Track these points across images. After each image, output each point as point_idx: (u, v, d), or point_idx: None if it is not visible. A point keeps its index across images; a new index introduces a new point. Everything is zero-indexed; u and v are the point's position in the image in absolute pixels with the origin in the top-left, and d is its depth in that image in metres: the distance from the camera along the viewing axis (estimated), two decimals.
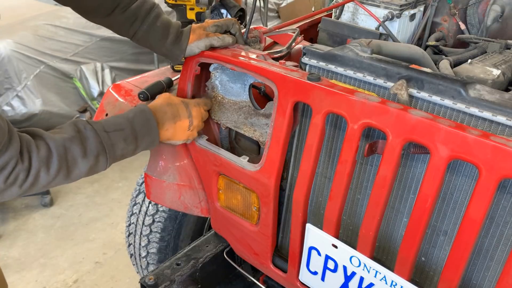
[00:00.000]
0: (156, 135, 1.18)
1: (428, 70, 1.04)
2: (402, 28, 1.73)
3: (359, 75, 1.11)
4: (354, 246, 1.10)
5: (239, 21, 1.41)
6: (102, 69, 3.66)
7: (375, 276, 1.07)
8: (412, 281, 1.02)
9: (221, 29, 1.34)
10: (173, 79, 1.59)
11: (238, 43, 1.37)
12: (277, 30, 1.56)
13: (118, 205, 2.99)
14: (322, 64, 1.18)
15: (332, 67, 1.16)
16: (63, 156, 0.98)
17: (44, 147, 0.96)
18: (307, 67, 1.22)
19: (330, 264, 1.16)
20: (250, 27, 1.45)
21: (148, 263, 1.84)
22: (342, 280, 1.15)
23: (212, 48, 1.32)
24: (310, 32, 1.79)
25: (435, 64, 1.30)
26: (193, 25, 1.34)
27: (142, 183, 1.84)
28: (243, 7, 3.69)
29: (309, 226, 1.17)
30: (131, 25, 1.27)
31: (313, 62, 1.20)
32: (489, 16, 1.70)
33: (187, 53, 1.32)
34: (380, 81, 1.08)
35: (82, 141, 1.02)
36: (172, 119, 1.21)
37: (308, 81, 1.08)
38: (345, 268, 1.13)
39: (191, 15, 1.84)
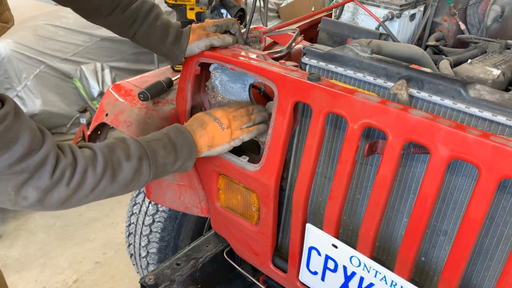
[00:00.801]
0: (193, 145, 1.18)
1: (428, 70, 1.04)
2: (402, 28, 1.73)
3: (359, 75, 1.11)
4: (354, 246, 1.10)
5: (239, 21, 1.40)
6: (102, 69, 3.66)
7: (375, 276, 1.07)
8: (412, 281, 1.02)
9: (221, 29, 1.34)
10: (173, 79, 1.59)
11: (238, 43, 1.37)
12: (277, 30, 1.56)
13: (118, 205, 2.99)
14: (322, 64, 1.18)
15: (332, 67, 1.16)
16: (108, 156, 0.99)
17: (88, 149, 0.98)
18: (307, 67, 1.22)
19: (330, 264, 1.16)
20: (250, 27, 1.45)
21: (148, 263, 1.84)
22: (342, 280, 1.15)
23: (212, 48, 1.32)
24: (310, 32, 1.79)
25: (435, 64, 1.30)
26: (193, 25, 1.34)
27: None
28: (243, 7, 3.68)
29: (309, 226, 1.17)
30: (131, 26, 1.27)
31: (313, 62, 1.20)
32: (489, 16, 1.70)
33: (187, 53, 1.32)
34: (380, 81, 1.08)
35: (124, 146, 1.04)
36: (200, 126, 1.21)
37: (308, 81, 1.08)
38: (345, 268, 1.13)
39: (191, 15, 1.84)
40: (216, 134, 1.22)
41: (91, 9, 1.25)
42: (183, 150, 1.15)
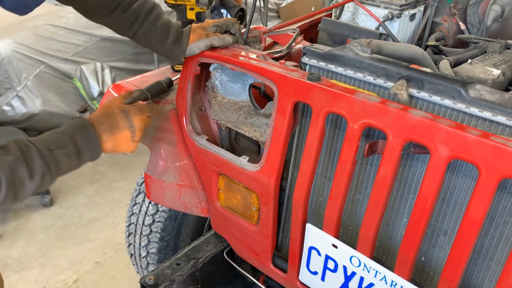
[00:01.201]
0: (98, 149, 1.13)
1: (428, 70, 1.04)
2: (402, 28, 1.73)
3: (359, 75, 1.11)
4: (354, 246, 1.10)
5: (239, 21, 1.41)
6: (102, 69, 3.66)
7: (375, 276, 1.07)
8: (412, 281, 1.02)
9: (221, 29, 1.34)
10: (173, 79, 1.59)
11: (238, 43, 1.37)
12: (277, 30, 1.56)
13: (118, 205, 2.99)
14: (322, 64, 1.18)
15: (332, 67, 1.16)
16: (10, 180, 0.96)
17: None
18: (307, 67, 1.22)
19: (330, 264, 1.16)
20: (250, 27, 1.45)
21: (148, 263, 1.84)
22: (342, 280, 1.15)
23: (212, 48, 1.32)
24: (310, 32, 1.79)
25: (435, 64, 1.30)
26: (193, 25, 1.34)
27: (142, 183, 1.84)
28: (243, 7, 3.68)
29: (309, 226, 1.17)
30: (131, 25, 1.27)
31: (313, 62, 1.20)
32: (489, 16, 1.70)
33: (187, 53, 1.32)
34: (380, 81, 1.08)
35: (27, 162, 0.99)
36: (109, 130, 1.15)
37: (308, 81, 1.08)
38: (345, 268, 1.13)
39: (191, 15, 1.84)
40: (123, 143, 1.17)
41: (92, 8, 1.25)
42: (87, 155, 1.11)
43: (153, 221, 1.75)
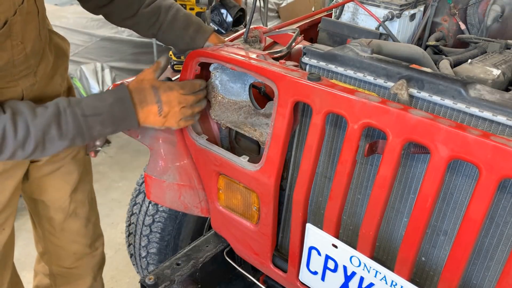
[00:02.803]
0: (134, 121, 1.19)
1: (428, 70, 1.04)
2: (402, 28, 1.73)
3: (359, 75, 1.11)
4: (354, 246, 1.10)
5: (239, 21, 1.43)
6: (102, 69, 3.66)
7: (375, 276, 1.07)
8: (412, 281, 1.02)
9: None
10: (173, 79, 1.59)
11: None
12: (277, 30, 1.56)
13: (118, 205, 2.99)
14: (322, 64, 1.18)
15: (332, 67, 1.16)
16: (40, 139, 1.05)
17: (23, 129, 1.02)
18: (307, 67, 1.22)
19: (330, 264, 1.16)
20: (250, 27, 1.45)
21: (148, 263, 1.84)
22: (342, 280, 1.15)
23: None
24: (310, 32, 1.79)
25: (435, 64, 1.30)
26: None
27: (142, 183, 1.84)
28: (243, 7, 3.69)
29: (309, 226, 1.17)
30: (157, 19, 1.35)
31: (313, 62, 1.20)
32: (489, 16, 1.70)
33: (206, 45, 1.39)
34: (380, 81, 1.08)
35: (60, 124, 1.07)
36: (138, 104, 1.20)
37: (308, 81, 1.08)
38: (345, 268, 1.13)
39: None
40: (150, 117, 1.22)
41: (121, 11, 1.33)
42: (122, 124, 1.19)
43: (153, 221, 1.75)
